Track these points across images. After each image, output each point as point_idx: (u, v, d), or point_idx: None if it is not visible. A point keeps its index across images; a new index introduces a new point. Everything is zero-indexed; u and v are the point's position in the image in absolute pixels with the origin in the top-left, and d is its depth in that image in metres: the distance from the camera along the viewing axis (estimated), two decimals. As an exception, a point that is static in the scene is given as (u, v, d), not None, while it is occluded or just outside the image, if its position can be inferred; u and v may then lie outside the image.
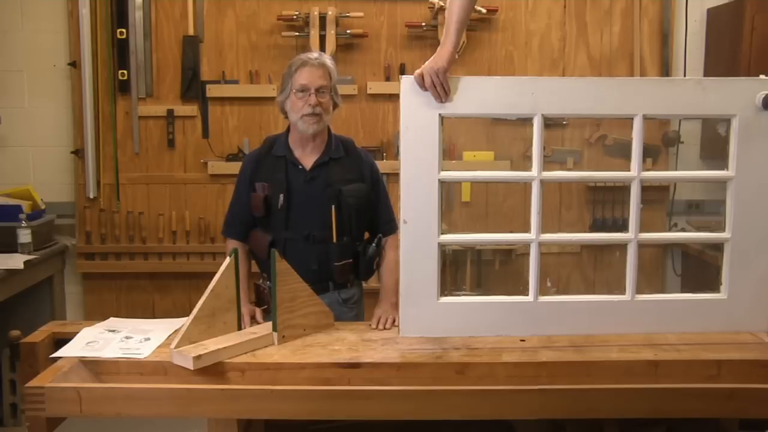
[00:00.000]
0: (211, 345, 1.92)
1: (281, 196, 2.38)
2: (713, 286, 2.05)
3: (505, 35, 3.93)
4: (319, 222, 2.38)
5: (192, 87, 3.85)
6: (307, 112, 2.33)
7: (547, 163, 2.69)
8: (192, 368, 1.84)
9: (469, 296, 2.40)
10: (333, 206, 2.37)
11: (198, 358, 1.85)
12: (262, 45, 3.88)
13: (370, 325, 2.20)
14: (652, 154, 3.92)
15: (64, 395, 1.70)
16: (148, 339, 2.02)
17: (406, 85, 1.92)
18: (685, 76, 3.87)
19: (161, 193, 3.94)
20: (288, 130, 2.47)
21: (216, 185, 3.89)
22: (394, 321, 2.18)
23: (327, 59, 2.40)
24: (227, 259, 2.01)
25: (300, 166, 2.42)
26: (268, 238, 2.39)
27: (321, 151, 2.44)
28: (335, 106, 2.43)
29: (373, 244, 2.47)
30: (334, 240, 2.38)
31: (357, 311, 2.52)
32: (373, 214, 2.50)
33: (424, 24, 3.84)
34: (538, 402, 1.70)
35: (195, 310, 1.96)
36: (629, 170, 1.98)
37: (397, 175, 1.97)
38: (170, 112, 3.87)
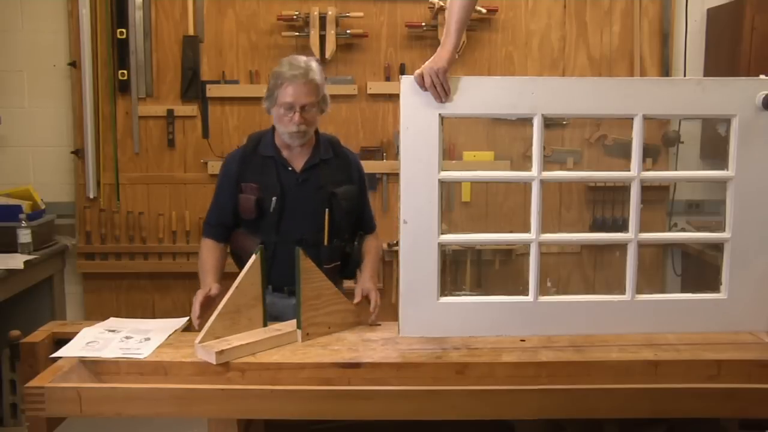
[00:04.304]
0: (235, 341, 1.94)
1: (274, 199, 2.35)
2: (713, 286, 2.05)
3: (505, 35, 3.93)
4: (311, 225, 2.36)
5: (192, 87, 3.85)
6: (292, 130, 2.31)
7: (547, 163, 2.69)
8: (215, 363, 1.86)
9: (469, 296, 2.39)
10: (327, 210, 2.35)
11: (221, 353, 1.87)
12: (262, 45, 3.88)
13: (354, 300, 2.25)
14: (652, 154, 3.92)
15: (64, 395, 1.70)
16: (148, 339, 2.02)
17: (406, 85, 1.92)
18: (685, 76, 3.87)
19: (161, 193, 3.94)
20: (274, 127, 2.42)
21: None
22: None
23: (314, 72, 2.31)
24: (253, 257, 2.03)
25: (290, 168, 2.39)
26: (257, 241, 2.34)
27: (309, 152, 2.41)
28: (322, 111, 2.38)
29: (356, 243, 2.49)
30: (326, 243, 2.37)
31: None
32: (359, 215, 2.51)
33: (424, 24, 3.84)
34: (538, 402, 1.70)
35: (220, 306, 1.99)
36: (629, 170, 1.98)
37: (397, 175, 1.97)
38: (170, 112, 3.88)
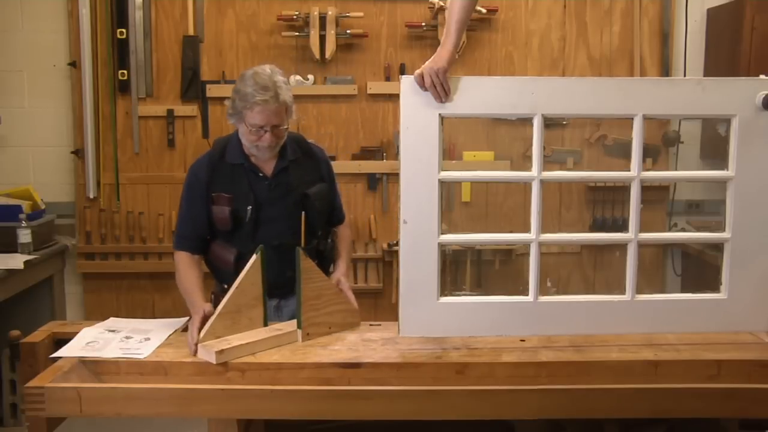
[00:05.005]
0: (235, 340, 1.94)
1: (249, 209, 2.30)
2: (713, 286, 2.05)
3: (505, 35, 3.93)
4: (287, 229, 2.32)
5: (192, 87, 3.85)
6: (263, 145, 2.25)
7: (547, 163, 2.69)
8: (214, 362, 1.86)
9: (469, 296, 2.39)
10: (303, 213, 2.31)
11: (221, 352, 1.87)
12: (262, 45, 3.88)
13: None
14: (652, 154, 3.92)
15: (64, 395, 1.70)
16: (148, 339, 2.03)
17: (406, 85, 1.92)
18: (685, 76, 3.87)
19: (161, 193, 3.94)
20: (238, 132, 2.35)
21: (216, 185, 3.89)
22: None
23: (282, 90, 2.21)
24: (253, 257, 2.03)
25: (260, 174, 2.34)
26: (234, 251, 2.30)
27: (277, 155, 2.35)
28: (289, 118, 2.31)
29: (329, 240, 2.48)
30: (303, 245, 2.32)
31: None
32: (330, 211, 2.50)
33: (424, 24, 3.84)
34: (538, 402, 1.70)
35: (220, 306, 1.99)
36: (629, 170, 1.98)
37: (397, 175, 1.97)
38: (170, 112, 3.87)
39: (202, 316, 2.03)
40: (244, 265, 2.12)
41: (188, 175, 2.38)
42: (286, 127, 2.29)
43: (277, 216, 2.33)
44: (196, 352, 1.94)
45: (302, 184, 2.37)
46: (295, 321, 2.07)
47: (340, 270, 2.43)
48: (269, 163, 2.36)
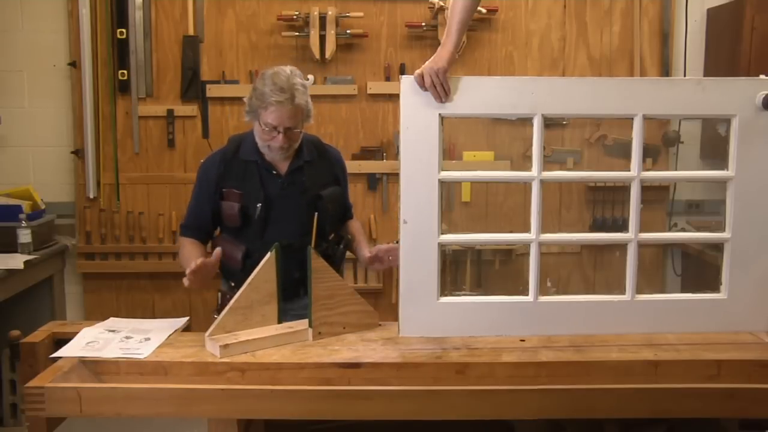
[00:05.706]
0: (243, 336, 1.94)
1: (259, 206, 2.29)
2: (713, 286, 2.05)
3: (505, 35, 3.93)
4: (297, 230, 2.29)
5: (192, 87, 3.86)
6: (275, 146, 2.27)
7: (547, 163, 2.69)
8: (219, 356, 1.86)
9: (469, 296, 2.39)
10: (315, 214, 2.28)
11: (225, 347, 1.87)
12: (262, 45, 3.89)
13: (369, 257, 2.33)
14: (652, 154, 3.92)
15: (64, 395, 1.70)
16: (148, 339, 2.02)
17: (406, 85, 1.92)
18: (685, 76, 3.87)
19: (161, 193, 3.94)
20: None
21: (216, 185, 3.89)
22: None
23: (300, 93, 2.22)
24: (268, 254, 2.03)
25: (274, 172, 2.34)
26: (242, 248, 2.31)
27: (293, 154, 2.36)
28: (306, 122, 2.33)
29: (341, 246, 2.46)
30: (313, 247, 2.34)
31: None
32: (343, 213, 2.51)
33: (424, 24, 3.85)
34: (538, 402, 1.70)
35: (232, 301, 1.99)
36: (629, 170, 1.98)
37: (397, 175, 1.97)
38: (170, 112, 3.88)
39: (200, 263, 2.12)
40: (252, 263, 2.12)
41: (199, 171, 2.41)
42: (299, 130, 2.29)
43: (287, 216, 2.33)
44: (192, 280, 2.11)
45: (315, 186, 2.37)
46: (307, 320, 2.07)
47: (366, 247, 2.44)
48: (284, 162, 2.36)
